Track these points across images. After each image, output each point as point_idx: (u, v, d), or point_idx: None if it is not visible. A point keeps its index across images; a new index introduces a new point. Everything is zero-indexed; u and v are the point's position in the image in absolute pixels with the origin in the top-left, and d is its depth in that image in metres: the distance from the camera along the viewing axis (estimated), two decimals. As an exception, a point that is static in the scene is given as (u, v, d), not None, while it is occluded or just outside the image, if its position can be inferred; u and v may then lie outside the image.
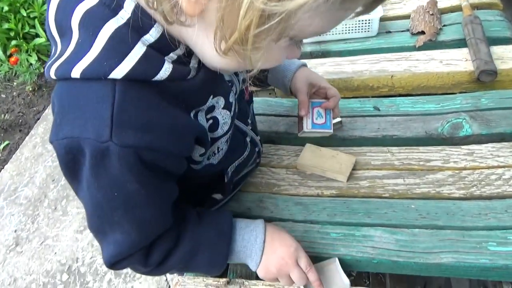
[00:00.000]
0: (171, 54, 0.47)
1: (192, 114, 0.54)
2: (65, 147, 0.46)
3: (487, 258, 0.66)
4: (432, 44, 1.12)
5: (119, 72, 0.44)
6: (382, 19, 1.20)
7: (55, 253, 1.61)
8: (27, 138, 2.15)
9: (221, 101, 0.58)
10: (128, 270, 1.49)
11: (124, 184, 0.49)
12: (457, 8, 1.20)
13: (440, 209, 0.74)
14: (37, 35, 2.49)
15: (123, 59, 0.44)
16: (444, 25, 1.17)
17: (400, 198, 0.78)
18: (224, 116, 0.60)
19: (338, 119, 0.92)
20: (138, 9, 0.43)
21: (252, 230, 0.66)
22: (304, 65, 0.89)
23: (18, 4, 2.48)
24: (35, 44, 2.44)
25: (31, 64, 2.41)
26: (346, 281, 0.68)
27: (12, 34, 2.46)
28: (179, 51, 0.48)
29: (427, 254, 0.68)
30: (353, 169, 0.83)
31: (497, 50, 1.04)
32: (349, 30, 1.19)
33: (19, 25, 2.46)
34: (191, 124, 0.53)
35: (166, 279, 1.45)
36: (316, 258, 0.71)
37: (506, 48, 1.05)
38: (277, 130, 0.96)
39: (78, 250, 1.60)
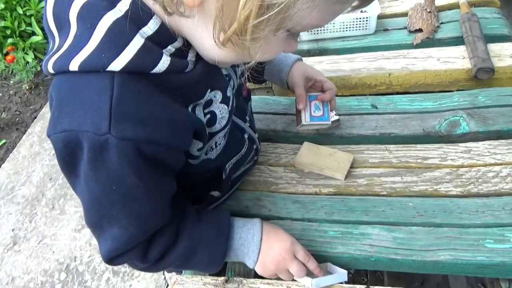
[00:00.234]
0: (169, 47, 0.47)
1: (190, 108, 0.54)
2: (63, 140, 0.46)
3: (484, 255, 0.66)
4: (430, 42, 1.12)
5: (118, 64, 0.44)
6: (380, 17, 1.20)
7: (53, 252, 1.60)
8: (24, 136, 2.14)
9: (218, 95, 0.58)
10: (126, 269, 1.49)
11: (122, 178, 0.48)
12: (455, 6, 1.20)
13: (438, 207, 0.74)
14: (33, 33, 2.48)
15: (122, 51, 0.44)
16: (442, 23, 1.17)
17: (398, 196, 0.78)
18: (221, 111, 0.60)
19: (336, 117, 0.92)
20: (136, 1, 0.44)
21: (249, 228, 0.67)
22: (300, 59, 0.89)
23: (14, 2, 2.46)
24: (31, 42, 2.43)
25: (27, 62, 2.40)
26: (342, 271, 0.68)
27: (8, 32, 2.45)
28: (177, 44, 0.48)
29: (425, 251, 0.68)
30: (351, 167, 0.83)
31: (494, 47, 1.04)
32: (346, 27, 1.19)
33: (16, 23, 2.45)
34: (189, 118, 0.53)
35: (165, 278, 1.45)
36: (314, 257, 0.71)
37: (503, 45, 1.05)
38: (275, 128, 0.96)
39: (76, 249, 1.60)
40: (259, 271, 0.67)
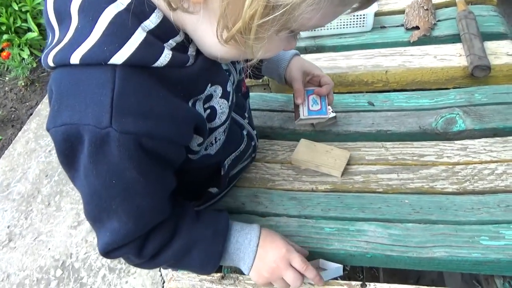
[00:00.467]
0: (170, 41, 0.47)
1: (190, 103, 0.54)
2: (62, 134, 0.46)
3: (479, 252, 0.66)
4: (427, 39, 1.12)
5: (120, 57, 0.44)
6: (377, 14, 1.20)
7: (49, 248, 1.60)
8: (19, 133, 2.13)
9: (218, 90, 0.58)
10: (122, 265, 1.49)
11: (123, 172, 0.48)
12: (452, 3, 1.21)
13: (433, 204, 0.74)
14: (29, 30, 2.46)
15: (124, 45, 0.44)
16: (439, 20, 1.17)
17: (394, 193, 0.78)
18: (221, 106, 0.60)
19: (333, 114, 0.92)
20: None
21: (247, 233, 0.66)
22: (297, 54, 0.89)
23: (9, -2, 2.44)
24: (27, 38, 2.41)
25: (23, 58, 2.38)
26: (336, 265, 0.68)
27: (3, 28, 2.42)
28: (178, 38, 0.48)
29: (420, 248, 0.68)
30: (348, 164, 0.83)
31: (490, 45, 1.05)
32: (343, 25, 1.19)
33: (11, 19, 2.43)
34: (190, 113, 0.53)
35: (161, 274, 1.45)
36: (310, 253, 0.71)
37: (499, 43, 1.06)
38: (272, 125, 0.96)
39: (72, 245, 1.59)
40: (253, 278, 0.66)
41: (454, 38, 1.10)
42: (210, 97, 0.57)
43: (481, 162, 0.80)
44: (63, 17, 0.46)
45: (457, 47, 1.07)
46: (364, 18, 1.17)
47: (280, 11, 0.38)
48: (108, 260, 1.52)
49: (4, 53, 2.33)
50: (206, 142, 0.61)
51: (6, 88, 2.43)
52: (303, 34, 1.22)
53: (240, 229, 0.67)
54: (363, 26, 1.19)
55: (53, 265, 1.55)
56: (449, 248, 0.67)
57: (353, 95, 1.00)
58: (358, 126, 0.92)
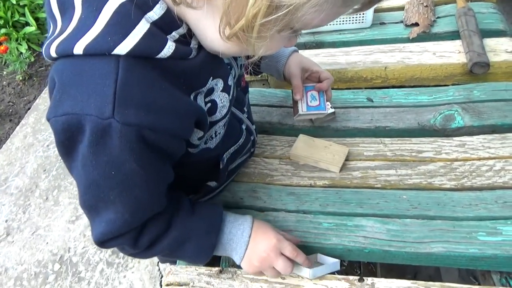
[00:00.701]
0: (173, 33, 0.47)
1: (192, 97, 0.54)
2: (63, 123, 0.45)
3: (476, 248, 0.66)
4: (426, 36, 1.12)
5: (123, 47, 0.43)
6: (376, 10, 1.20)
7: (47, 243, 1.60)
8: (17, 128, 2.12)
9: (220, 83, 0.58)
10: (120, 260, 1.49)
11: (123, 164, 0.48)
12: (451, 0, 1.20)
13: (431, 200, 0.74)
14: (27, 24, 2.45)
15: (128, 35, 0.44)
16: (438, 17, 1.17)
17: (392, 189, 0.78)
18: (222, 99, 0.60)
19: (332, 110, 0.92)
20: None
21: (240, 224, 0.67)
22: (296, 50, 0.89)
23: (7, -8, 2.43)
24: (25, 32, 2.40)
25: (21, 53, 2.37)
26: (334, 260, 0.69)
27: (1, 22, 2.41)
28: (182, 31, 0.48)
29: (418, 243, 0.69)
30: (346, 159, 0.84)
31: (490, 42, 1.05)
32: (343, 21, 1.19)
33: (9, 13, 2.41)
34: (191, 107, 0.53)
35: (159, 269, 1.45)
36: (308, 248, 0.71)
37: (498, 40, 1.06)
38: (271, 120, 0.96)
39: (70, 240, 1.59)
40: (244, 267, 0.67)
41: (453, 35, 1.10)
42: (211, 91, 0.57)
43: (479, 159, 0.80)
44: (66, 7, 0.46)
45: (456, 44, 1.07)
46: (363, 14, 1.16)
47: (283, 11, 0.39)
48: (106, 255, 1.52)
49: (1, 47, 2.32)
50: (206, 136, 0.61)
51: (4, 82, 2.42)
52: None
53: (233, 220, 0.67)
54: (362, 22, 1.19)
55: (51, 259, 1.55)
56: (446, 244, 0.68)
57: (352, 91, 1.00)
58: (357, 122, 0.92)
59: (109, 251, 1.53)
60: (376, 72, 1.07)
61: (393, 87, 1.06)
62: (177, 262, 0.76)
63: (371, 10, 1.15)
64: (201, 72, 0.53)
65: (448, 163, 0.80)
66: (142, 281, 1.43)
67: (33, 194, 1.78)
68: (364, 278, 0.67)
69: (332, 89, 0.91)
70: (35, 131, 2.08)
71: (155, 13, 0.45)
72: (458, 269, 0.86)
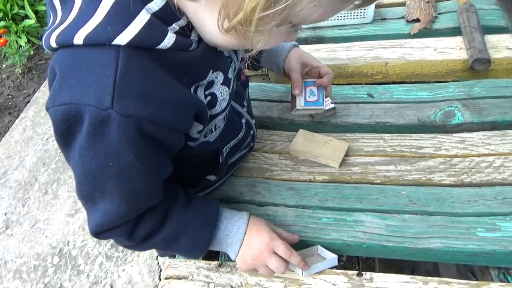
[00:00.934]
0: (174, 25, 0.47)
1: (192, 90, 0.54)
2: (61, 113, 0.45)
3: (475, 244, 0.67)
4: (427, 32, 1.12)
5: (124, 38, 0.43)
6: (378, 6, 1.20)
7: (46, 236, 1.60)
8: (16, 121, 2.12)
9: (220, 76, 0.58)
10: (119, 253, 1.49)
11: (120, 155, 0.48)
12: (453, -4, 1.20)
13: (431, 196, 0.74)
14: (26, 17, 2.44)
15: (128, 25, 0.43)
16: (440, 13, 1.17)
17: (392, 184, 0.78)
18: (222, 93, 0.59)
19: (332, 105, 0.92)
20: None
21: (236, 220, 0.67)
22: (296, 45, 0.89)
23: (7, -16, 2.42)
24: (24, 25, 2.39)
25: (20, 46, 2.36)
26: (332, 255, 0.69)
27: (0, 15, 2.40)
28: (182, 22, 0.48)
29: (417, 239, 0.69)
30: (346, 155, 0.84)
31: (491, 39, 1.05)
32: (344, 16, 1.19)
33: (8, 6, 2.40)
34: (192, 99, 0.53)
35: (158, 262, 1.46)
36: (307, 243, 0.72)
37: (500, 37, 1.05)
38: (270, 115, 0.96)
39: (69, 233, 1.59)
40: (238, 264, 0.68)
41: (455, 31, 1.10)
42: (211, 84, 0.57)
43: (479, 155, 0.80)
44: None
45: (457, 40, 1.07)
46: (364, 9, 1.16)
47: (281, 6, 0.39)
48: (105, 248, 1.52)
49: (1, 40, 2.31)
50: (205, 129, 0.61)
51: (3, 75, 2.41)
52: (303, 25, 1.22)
53: (230, 216, 0.68)
54: (363, 17, 1.18)
55: (50, 252, 1.55)
56: (445, 239, 0.68)
57: (352, 87, 1.00)
58: (357, 118, 0.92)
59: (108, 244, 1.53)
60: (377, 67, 1.07)
61: (394, 83, 1.06)
62: (176, 255, 0.76)
63: (372, 5, 1.15)
64: (201, 64, 0.53)
65: (448, 159, 0.80)
66: (141, 275, 1.44)
67: (32, 188, 1.78)
68: (362, 273, 0.67)
69: (333, 84, 0.91)
70: (35, 125, 2.07)
71: (156, 4, 0.45)
72: (456, 265, 0.86)
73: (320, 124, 0.93)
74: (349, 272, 0.68)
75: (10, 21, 2.40)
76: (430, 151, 0.82)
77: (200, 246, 0.65)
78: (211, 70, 0.56)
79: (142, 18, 0.44)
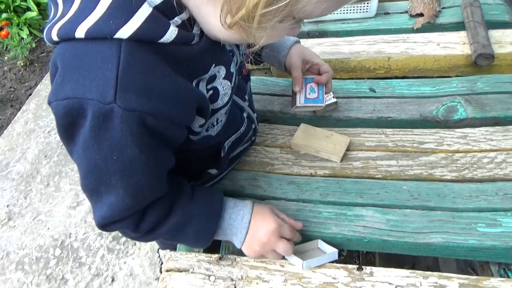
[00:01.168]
0: (176, 19, 0.47)
1: (194, 84, 0.53)
2: (64, 107, 0.45)
3: (475, 239, 0.67)
4: (430, 27, 1.11)
5: (125, 31, 0.43)
6: (381, 0, 1.19)
7: (48, 228, 1.61)
8: (18, 113, 2.12)
9: (222, 70, 0.58)
10: (121, 246, 1.50)
11: (124, 149, 0.48)
12: (457, -10, 1.19)
13: (432, 191, 0.74)
14: (28, 9, 2.43)
15: (130, 19, 0.43)
16: (443, 8, 1.16)
17: (393, 179, 0.78)
18: (224, 87, 0.59)
19: (334, 100, 0.92)
20: None
21: (240, 209, 0.67)
22: (298, 41, 0.89)
23: (8, -24, 2.41)
24: (26, 18, 2.38)
25: (22, 38, 2.36)
26: (333, 249, 0.69)
27: (2, 6, 2.39)
28: (184, 16, 0.48)
29: (417, 234, 0.69)
30: (347, 149, 0.84)
31: (495, 34, 1.04)
32: (347, 10, 1.18)
33: (10, -2, 2.40)
34: (194, 93, 0.53)
35: (159, 255, 1.46)
36: (308, 237, 0.72)
37: (504, 32, 1.05)
38: (272, 109, 0.95)
39: (71, 226, 1.60)
40: (245, 252, 0.68)
41: (458, 26, 1.09)
42: (213, 78, 0.57)
43: (480, 151, 0.80)
44: None
45: (461, 35, 1.06)
46: (367, 4, 1.15)
47: (284, 2, 0.39)
48: (107, 241, 1.53)
49: (3, 32, 2.30)
50: (207, 123, 0.61)
51: (5, 68, 2.41)
52: (306, 18, 1.21)
53: (233, 205, 0.68)
54: (366, 11, 1.17)
55: (52, 244, 1.56)
56: (445, 234, 0.68)
57: (354, 81, 1.00)
58: (359, 112, 0.91)
59: (110, 237, 1.54)
60: (379, 62, 1.07)
61: (396, 77, 1.06)
62: (177, 248, 0.76)
63: (376, 0, 1.14)
64: (203, 58, 0.53)
65: (450, 154, 0.80)
66: (142, 267, 1.44)
67: (34, 180, 1.79)
68: (362, 267, 0.67)
69: (335, 79, 0.91)
70: (36, 117, 2.08)
71: None
72: (456, 260, 0.86)
73: (322, 118, 0.92)
74: (349, 266, 0.68)
75: (12, 13, 2.39)
76: (431, 146, 0.82)
77: (205, 237, 0.65)
78: (213, 64, 0.56)
79: (144, 12, 0.44)
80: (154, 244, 1.47)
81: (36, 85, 2.28)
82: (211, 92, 0.58)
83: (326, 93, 0.86)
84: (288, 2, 0.39)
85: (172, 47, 0.47)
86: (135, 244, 1.50)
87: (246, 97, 0.77)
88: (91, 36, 0.43)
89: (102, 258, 1.49)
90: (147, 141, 0.49)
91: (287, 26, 0.47)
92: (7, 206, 1.71)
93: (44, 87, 2.24)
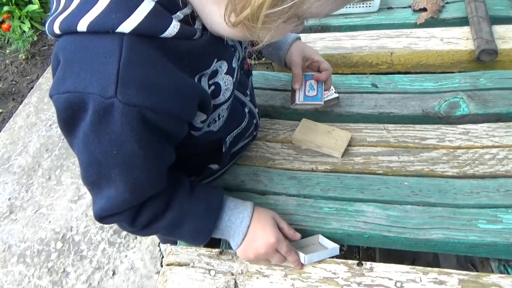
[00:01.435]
0: (178, 13, 0.47)
1: (196, 79, 0.53)
2: (65, 101, 0.45)
3: (476, 235, 0.67)
4: (434, 22, 1.10)
5: (128, 25, 0.43)
6: (384, -6, 1.18)
7: (49, 221, 1.62)
8: (20, 107, 2.12)
9: (224, 65, 0.58)
10: (122, 240, 1.51)
11: (123, 144, 0.48)
12: (461, -15, 1.18)
13: (433, 187, 0.74)
14: (30, 2, 2.42)
15: (132, 13, 0.43)
16: (447, 2, 1.15)
17: (394, 175, 0.78)
18: (226, 82, 0.59)
19: (335, 95, 0.91)
20: None
21: (240, 212, 0.67)
22: (298, 38, 0.89)
23: (10, -32, 2.40)
24: (28, 11, 2.38)
25: (24, 31, 2.35)
26: (334, 244, 0.69)
27: (4, 0, 2.39)
28: (187, 11, 0.47)
29: (418, 230, 0.69)
30: (348, 145, 0.83)
31: (499, 29, 1.03)
32: (350, 5, 1.17)
33: (12, -10, 2.39)
34: (195, 88, 0.53)
35: (160, 249, 1.47)
36: (308, 232, 0.72)
37: (508, 27, 1.04)
38: (274, 104, 0.95)
39: (72, 219, 1.61)
40: (239, 255, 0.68)
41: (462, 21, 1.09)
42: (215, 73, 0.57)
43: (482, 147, 0.79)
44: None
45: (465, 30, 1.06)
46: (371, -2, 1.14)
47: (289, 4, 0.38)
48: (108, 234, 1.54)
49: (4, 25, 2.30)
50: (209, 119, 0.61)
51: (7, 61, 2.41)
52: (308, 12, 1.20)
53: (233, 207, 0.67)
54: (369, 6, 1.17)
55: (53, 237, 1.57)
56: (446, 231, 0.68)
57: (356, 76, 0.99)
58: (361, 108, 0.91)
59: (111, 230, 1.55)
60: (382, 57, 1.06)
61: (399, 73, 1.05)
62: (178, 242, 0.76)
63: (379, -6, 1.13)
64: (205, 53, 0.53)
65: (451, 150, 0.80)
66: (143, 261, 1.45)
67: (36, 173, 1.79)
68: (362, 262, 0.67)
69: (337, 74, 0.90)
70: (38, 111, 2.08)
71: None
72: (456, 256, 0.86)
73: (323, 113, 0.92)
74: (349, 261, 0.68)
75: (14, 6, 2.38)
76: (433, 142, 0.82)
77: (202, 235, 0.65)
78: (215, 59, 0.55)
79: (146, 6, 0.44)
80: (155, 238, 1.48)
81: (37, 78, 2.28)
82: (213, 87, 0.57)
83: (325, 90, 0.86)
84: (293, 4, 0.39)
85: (174, 42, 0.47)
86: (136, 238, 1.51)
87: (248, 92, 0.77)
88: (93, 29, 0.43)
89: (103, 251, 1.50)
90: (147, 137, 0.49)
91: (291, 26, 0.47)
92: (9, 199, 1.72)
93: (46, 80, 2.24)
